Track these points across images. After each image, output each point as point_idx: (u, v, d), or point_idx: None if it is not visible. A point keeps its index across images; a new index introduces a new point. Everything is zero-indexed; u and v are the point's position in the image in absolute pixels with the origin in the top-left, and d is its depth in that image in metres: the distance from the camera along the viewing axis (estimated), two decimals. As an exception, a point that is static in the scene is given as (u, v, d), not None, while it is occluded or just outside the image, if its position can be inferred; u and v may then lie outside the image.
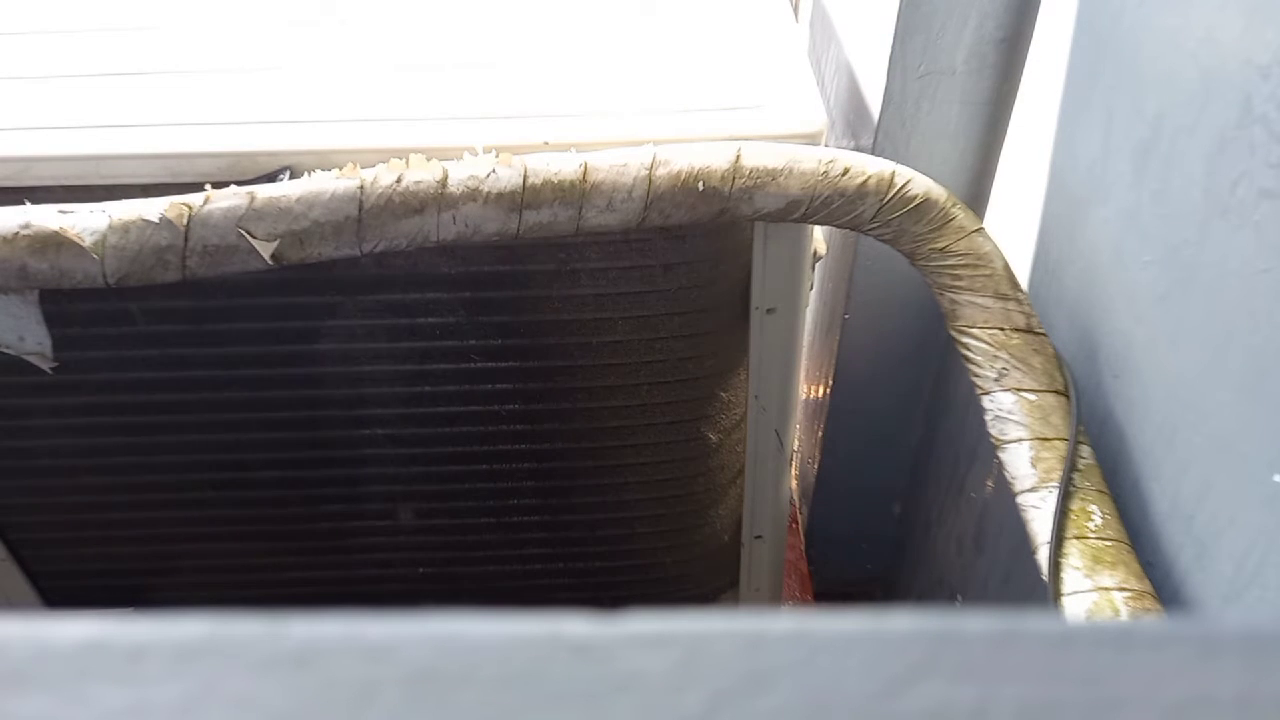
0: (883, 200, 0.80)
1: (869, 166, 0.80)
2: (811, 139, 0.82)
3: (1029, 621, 0.21)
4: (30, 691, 0.19)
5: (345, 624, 0.20)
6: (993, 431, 0.80)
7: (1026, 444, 0.78)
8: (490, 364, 0.95)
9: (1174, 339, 0.73)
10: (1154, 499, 0.75)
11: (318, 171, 0.76)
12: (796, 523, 1.58)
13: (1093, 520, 0.74)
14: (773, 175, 0.78)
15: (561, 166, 0.76)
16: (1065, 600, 0.71)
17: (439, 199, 0.75)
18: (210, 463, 1.02)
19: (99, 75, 0.86)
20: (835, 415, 1.39)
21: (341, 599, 1.17)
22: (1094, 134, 0.85)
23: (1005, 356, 0.80)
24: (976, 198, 1.15)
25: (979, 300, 0.82)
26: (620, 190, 0.76)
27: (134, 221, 0.73)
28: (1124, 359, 0.80)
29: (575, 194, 0.76)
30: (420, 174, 0.74)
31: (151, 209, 0.73)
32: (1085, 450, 0.78)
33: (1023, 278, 0.89)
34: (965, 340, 0.82)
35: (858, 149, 1.03)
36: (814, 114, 0.84)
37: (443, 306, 0.89)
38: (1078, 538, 0.73)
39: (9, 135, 0.80)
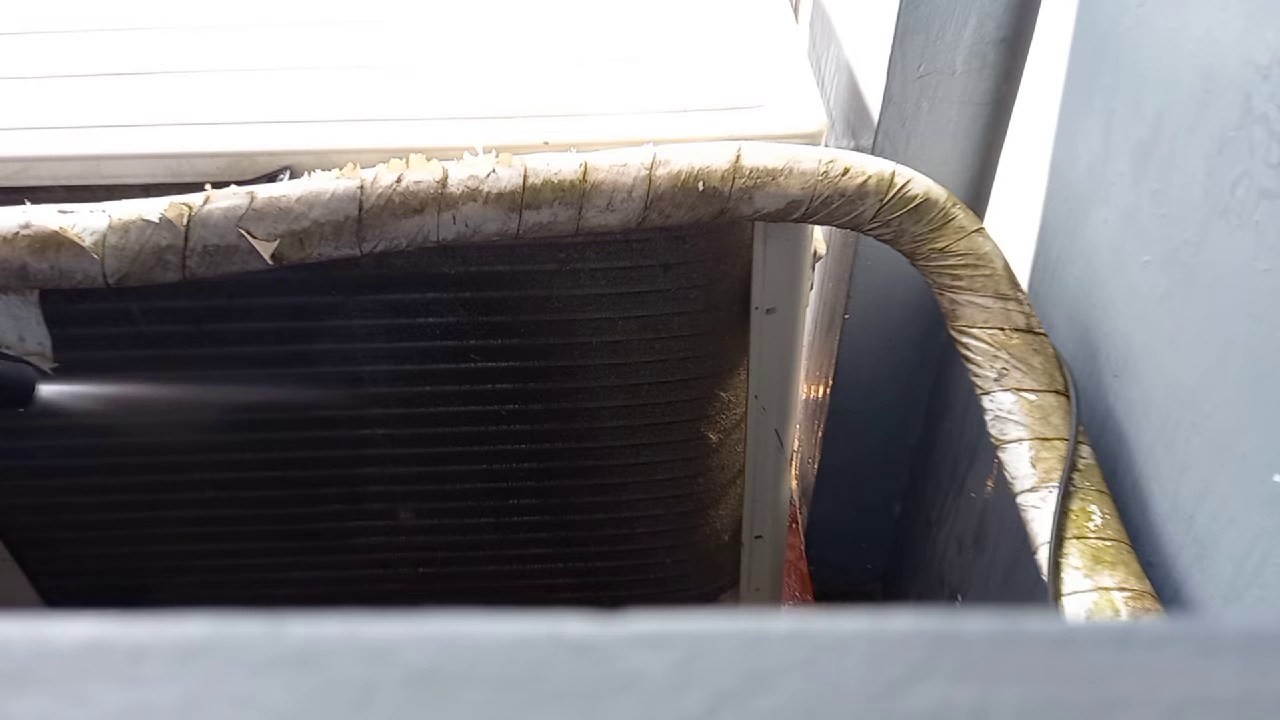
0: (883, 200, 0.80)
1: (869, 166, 0.80)
2: (811, 139, 0.82)
3: (1029, 621, 0.21)
4: (30, 691, 0.19)
5: (345, 624, 0.20)
6: (993, 431, 0.80)
7: (1026, 444, 0.78)
8: (490, 364, 0.95)
9: (1174, 339, 0.73)
10: (1154, 499, 0.75)
11: (318, 171, 0.76)
12: (796, 523, 1.58)
13: (1093, 520, 0.74)
14: (773, 175, 0.78)
15: (561, 166, 0.76)
16: (1065, 600, 0.71)
17: (439, 199, 0.75)
18: (210, 462, 1.02)
19: (99, 75, 0.86)
20: (835, 415, 1.39)
21: (341, 599, 1.17)
22: (1094, 134, 0.85)
23: (1005, 356, 0.80)
24: (976, 198, 1.15)
25: (979, 300, 0.82)
26: (620, 190, 0.76)
27: (134, 221, 0.73)
28: (1124, 359, 0.80)
29: (575, 194, 0.76)
30: (420, 174, 0.74)
31: (151, 209, 0.73)
32: (1085, 450, 0.78)
33: (1023, 278, 0.89)
34: (965, 340, 0.82)
35: (858, 149, 1.04)
36: (814, 114, 0.84)
37: (443, 306, 0.89)
38: (1078, 538, 0.73)
39: (9, 135, 0.80)
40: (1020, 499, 0.77)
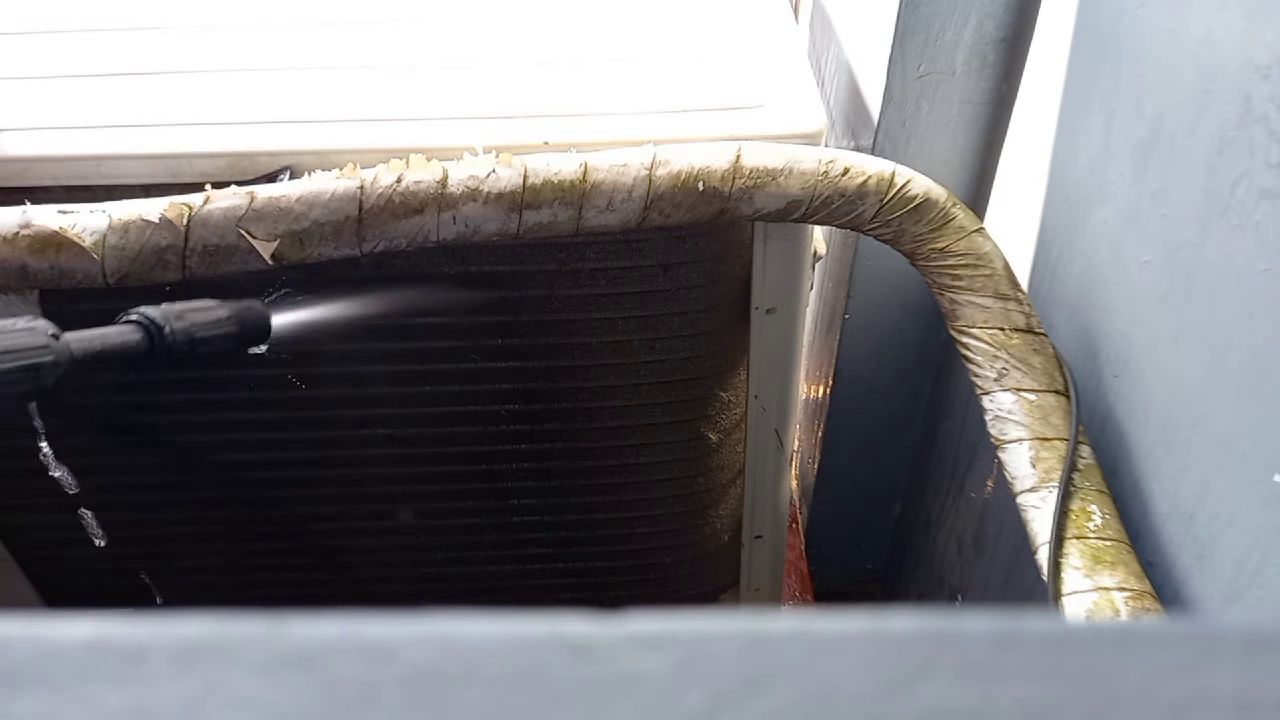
0: (883, 200, 0.80)
1: (869, 166, 0.80)
2: (811, 139, 0.82)
3: (1029, 621, 0.21)
4: (31, 691, 0.19)
5: (345, 624, 0.20)
6: (993, 431, 0.81)
7: (1026, 444, 0.78)
8: (490, 364, 0.95)
9: (1174, 339, 0.73)
10: (1154, 499, 0.75)
11: (318, 171, 0.76)
12: (796, 523, 1.58)
13: (1093, 520, 0.74)
14: (773, 175, 0.78)
15: (561, 166, 0.76)
16: (1065, 600, 0.71)
17: (439, 199, 0.75)
18: (210, 463, 1.02)
19: (99, 75, 0.86)
20: (835, 415, 1.39)
21: (342, 599, 1.17)
22: (1094, 134, 0.85)
23: (1005, 356, 0.80)
24: (976, 198, 1.15)
25: (979, 300, 0.82)
26: (620, 190, 0.76)
27: (134, 221, 0.73)
28: (1124, 359, 0.80)
29: (575, 194, 0.76)
30: (420, 174, 0.74)
31: (151, 209, 0.73)
32: (1085, 450, 0.78)
33: (1023, 278, 0.89)
34: (965, 340, 0.82)
35: (858, 149, 1.04)
36: (814, 114, 0.84)
37: (443, 307, 0.89)
38: (1078, 538, 0.73)
39: (9, 135, 0.80)
40: (1020, 499, 0.77)
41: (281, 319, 0.75)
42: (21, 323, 0.58)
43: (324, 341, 0.84)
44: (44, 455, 0.68)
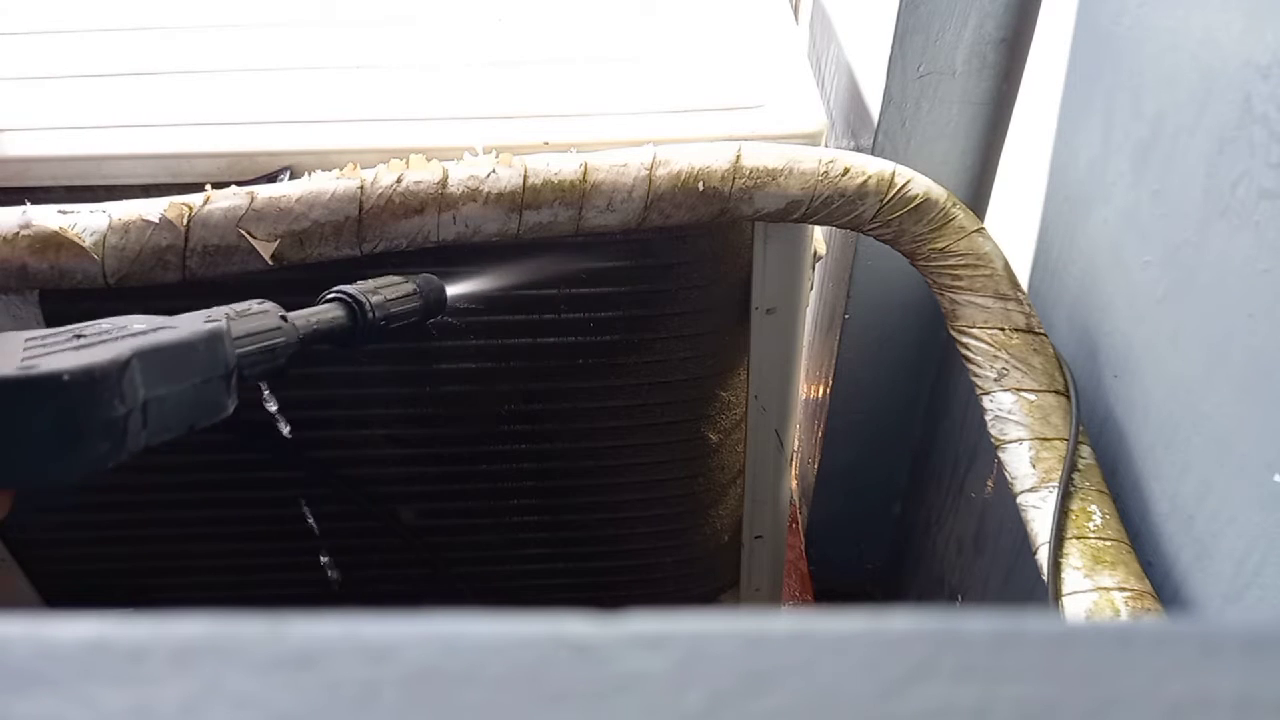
0: (883, 200, 0.80)
1: (869, 166, 0.80)
2: (811, 139, 0.82)
3: (1029, 621, 0.21)
4: (31, 691, 0.19)
5: (345, 624, 0.20)
6: (993, 431, 0.81)
7: (1026, 444, 0.78)
8: (490, 364, 0.95)
9: (1174, 339, 0.73)
10: (1154, 499, 0.75)
11: (318, 171, 0.76)
12: (796, 523, 1.58)
13: (1093, 520, 0.74)
14: (773, 175, 0.78)
15: (561, 166, 0.76)
16: (1065, 600, 0.71)
17: (439, 199, 0.75)
18: (210, 463, 1.02)
19: (99, 75, 0.86)
20: (835, 415, 1.39)
21: (342, 599, 1.17)
22: (1094, 134, 0.85)
23: (1005, 356, 0.80)
24: (976, 198, 1.15)
25: (979, 300, 0.82)
26: (620, 190, 0.76)
27: (134, 221, 0.73)
28: (1124, 359, 0.80)
29: (575, 194, 0.76)
30: (420, 174, 0.74)
31: (151, 209, 0.73)
32: (1085, 450, 0.78)
33: (1023, 278, 0.89)
34: (965, 340, 0.82)
35: (858, 149, 1.04)
36: (814, 114, 0.84)
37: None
38: (1078, 538, 0.73)
39: (9, 135, 0.80)
40: (1020, 499, 0.77)
41: (455, 290, 0.76)
42: (255, 305, 0.59)
43: (489, 307, 0.86)
44: (288, 436, 0.69)
